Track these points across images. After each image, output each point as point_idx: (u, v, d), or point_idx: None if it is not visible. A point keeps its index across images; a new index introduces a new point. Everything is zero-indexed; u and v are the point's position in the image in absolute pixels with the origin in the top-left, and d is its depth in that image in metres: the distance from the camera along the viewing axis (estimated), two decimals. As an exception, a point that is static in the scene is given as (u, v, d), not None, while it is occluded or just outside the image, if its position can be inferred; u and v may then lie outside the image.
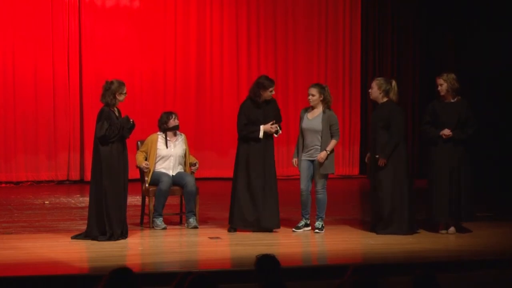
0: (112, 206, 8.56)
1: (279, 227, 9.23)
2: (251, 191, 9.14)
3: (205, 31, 14.70)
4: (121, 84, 8.72)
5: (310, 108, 9.23)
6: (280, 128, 9.32)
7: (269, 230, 9.18)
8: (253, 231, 9.16)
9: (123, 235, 8.68)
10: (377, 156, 9.10)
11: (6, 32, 13.65)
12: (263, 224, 9.15)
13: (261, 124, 9.15)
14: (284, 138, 13.99)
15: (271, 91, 9.20)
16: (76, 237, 8.69)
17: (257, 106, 9.21)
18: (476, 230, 9.29)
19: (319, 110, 9.20)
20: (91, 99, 14.02)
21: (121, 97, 8.68)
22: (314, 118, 9.21)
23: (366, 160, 9.44)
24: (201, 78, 14.72)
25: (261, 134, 9.15)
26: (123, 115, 8.75)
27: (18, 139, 13.80)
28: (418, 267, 6.81)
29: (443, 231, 9.19)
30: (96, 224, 8.60)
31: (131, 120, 8.74)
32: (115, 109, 8.75)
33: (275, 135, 9.27)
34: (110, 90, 8.64)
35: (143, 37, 14.32)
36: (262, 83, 9.20)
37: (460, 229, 9.24)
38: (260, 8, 15.01)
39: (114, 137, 8.59)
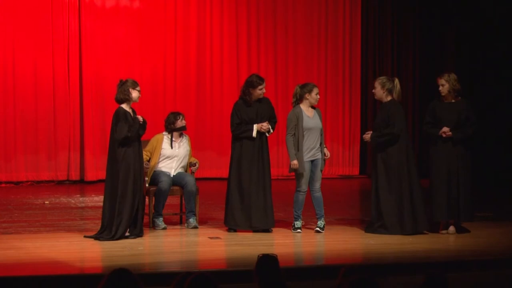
0: (126, 207, 8.57)
1: (273, 226, 9.22)
2: (243, 190, 9.13)
3: (205, 31, 14.70)
4: (135, 82, 8.82)
5: (298, 107, 9.18)
6: (273, 128, 9.30)
7: (263, 230, 9.17)
8: (253, 231, 9.17)
9: (135, 234, 8.71)
10: (369, 132, 9.16)
11: (6, 32, 13.65)
12: (256, 223, 9.14)
13: (254, 123, 9.15)
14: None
15: (260, 89, 9.18)
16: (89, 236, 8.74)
17: (249, 105, 9.20)
18: (476, 230, 9.29)
19: (311, 109, 9.21)
20: (91, 99, 14.03)
21: (134, 93, 8.73)
22: (314, 117, 9.21)
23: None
24: (201, 78, 14.72)
25: (254, 133, 9.13)
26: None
27: (18, 139, 13.80)
28: (428, 267, 6.86)
29: (443, 231, 9.19)
30: (108, 225, 8.63)
31: (140, 117, 8.77)
32: (130, 108, 8.77)
33: (267, 134, 9.26)
34: (124, 86, 8.70)
35: (143, 37, 14.33)
36: (251, 81, 9.20)
37: (460, 229, 9.24)
38: (260, 8, 15.02)
39: (135, 136, 8.64)
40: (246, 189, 9.13)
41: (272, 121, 9.29)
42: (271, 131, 9.27)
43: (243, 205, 9.13)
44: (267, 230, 9.19)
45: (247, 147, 9.17)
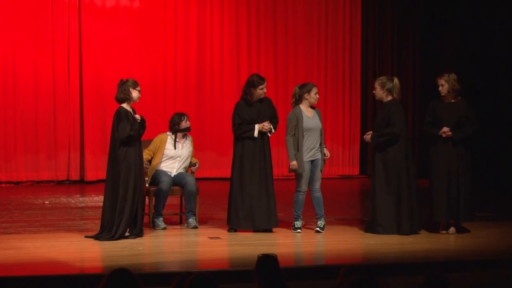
0: (127, 207, 8.57)
1: (276, 226, 9.22)
2: (246, 190, 9.12)
3: (205, 31, 14.71)
4: (135, 82, 8.82)
5: (298, 107, 9.18)
6: (275, 128, 9.30)
7: (266, 229, 9.17)
8: (254, 231, 9.17)
9: (135, 234, 8.71)
10: (370, 132, 9.19)
11: (6, 32, 13.65)
12: (259, 223, 9.14)
13: (255, 123, 9.14)
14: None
15: (261, 89, 9.17)
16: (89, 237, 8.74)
17: (250, 105, 9.20)
18: (476, 230, 9.29)
19: (311, 109, 9.21)
20: (91, 99, 14.04)
21: (135, 93, 8.72)
22: (313, 117, 9.21)
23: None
24: (201, 78, 14.73)
25: (255, 133, 9.13)
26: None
27: (18, 139, 13.81)
28: (428, 267, 6.85)
29: (443, 232, 9.19)
30: (108, 225, 8.64)
31: (138, 116, 8.78)
32: (130, 108, 8.77)
33: (269, 134, 9.25)
34: (124, 85, 8.70)
35: (143, 37, 14.33)
36: (252, 81, 9.19)
37: (460, 229, 9.24)
38: (260, 8, 15.02)
39: (137, 135, 8.65)
40: (248, 189, 9.13)
41: (274, 121, 9.29)
42: (273, 131, 9.27)
43: (246, 205, 9.12)
44: (269, 230, 9.19)
45: (248, 147, 9.16)
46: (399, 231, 9.02)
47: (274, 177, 9.37)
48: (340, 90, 15.44)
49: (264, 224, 9.16)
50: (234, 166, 9.22)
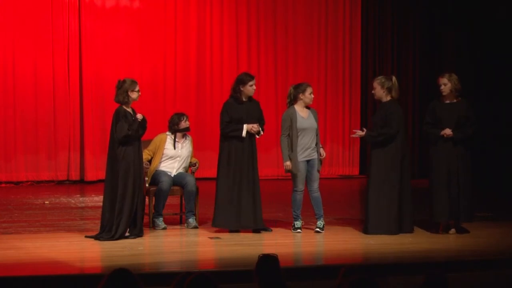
0: (126, 206, 8.57)
1: (260, 226, 9.18)
2: (232, 190, 9.09)
3: (205, 31, 14.70)
4: (133, 82, 8.80)
5: (292, 108, 9.17)
6: (263, 130, 9.28)
7: (252, 229, 9.13)
8: (253, 231, 9.16)
9: (135, 234, 8.71)
10: (364, 129, 9.17)
11: (6, 32, 13.65)
12: (245, 223, 9.10)
13: (244, 123, 9.12)
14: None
15: (251, 86, 9.14)
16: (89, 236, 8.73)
17: (239, 104, 9.18)
18: (476, 230, 9.29)
19: (306, 109, 9.20)
20: (91, 99, 14.04)
21: (134, 95, 8.73)
22: (308, 117, 9.20)
23: None
24: (201, 78, 14.72)
25: (243, 133, 9.11)
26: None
27: (18, 139, 13.80)
28: (428, 267, 6.86)
29: (443, 232, 9.19)
30: (108, 225, 8.63)
31: (140, 115, 8.76)
32: (130, 108, 8.77)
33: (257, 136, 9.24)
34: (122, 88, 8.70)
35: (143, 37, 14.33)
36: (241, 79, 9.18)
37: (459, 230, 9.24)
38: (260, 8, 15.02)
39: (135, 135, 8.64)
40: (235, 189, 9.09)
41: (261, 122, 9.29)
42: (261, 132, 9.25)
43: (233, 205, 9.08)
44: (257, 231, 9.16)
45: (236, 147, 9.14)
46: (389, 231, 9.00)
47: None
48: (340, 90, 15.43)
49: (250, 224, 9.11)
50: (221, 166, 9.19)
